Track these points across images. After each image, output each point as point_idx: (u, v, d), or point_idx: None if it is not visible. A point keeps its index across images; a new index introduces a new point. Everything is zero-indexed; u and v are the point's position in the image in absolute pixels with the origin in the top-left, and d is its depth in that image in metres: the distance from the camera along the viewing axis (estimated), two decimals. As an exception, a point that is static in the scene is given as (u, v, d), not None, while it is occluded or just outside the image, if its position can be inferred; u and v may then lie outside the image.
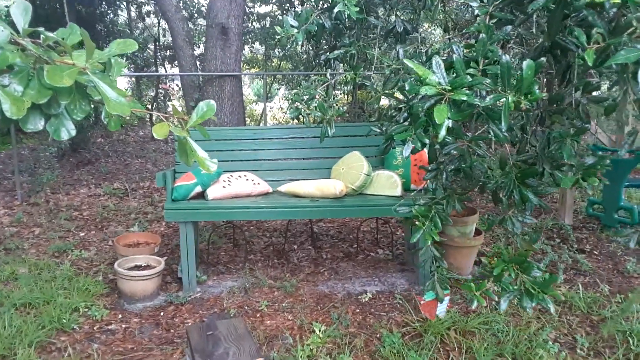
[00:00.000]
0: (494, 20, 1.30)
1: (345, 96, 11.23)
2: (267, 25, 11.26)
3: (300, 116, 1.78)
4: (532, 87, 1.00)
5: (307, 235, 4.62)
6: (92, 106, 0.93)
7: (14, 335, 2.82)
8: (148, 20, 12.07)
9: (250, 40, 11.20)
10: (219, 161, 3.89)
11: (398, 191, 3.49)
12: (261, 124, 11.59)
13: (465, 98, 1.00)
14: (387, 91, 1.81)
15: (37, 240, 4.48)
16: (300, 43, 1.74)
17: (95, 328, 3.01)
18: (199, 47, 11.71)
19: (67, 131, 0.87)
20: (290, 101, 1.78)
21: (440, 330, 2.81)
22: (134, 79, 11.90)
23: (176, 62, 11.29)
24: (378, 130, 1.86)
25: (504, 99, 1.01)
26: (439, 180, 1.61)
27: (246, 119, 11.63)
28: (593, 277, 3.68)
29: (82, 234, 4.66)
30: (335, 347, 2.76)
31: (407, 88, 1.57)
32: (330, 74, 1.92)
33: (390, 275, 3.75)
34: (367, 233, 4.69)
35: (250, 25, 11.19)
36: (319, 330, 2.83)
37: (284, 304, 3.29)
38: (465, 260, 3.67)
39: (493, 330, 2.85)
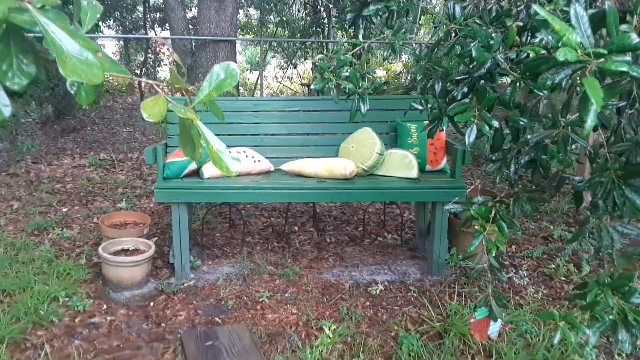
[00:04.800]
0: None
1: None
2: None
3: (326, 88, 1.42)
4: None
5: (309, 216, 4.29)
6: (45, 68, 0.58)
7: (-17, 329, 2.49)
8: (137, -20, 11.41)
9: (245, 3, 10.63)
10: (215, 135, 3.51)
11: (414, 172, 3.16)
12: (256, 94, 11.14)
13: (624, 69, 0.67)
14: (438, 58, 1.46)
15: (15, 216, 4.11)
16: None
17: (76, 321, 2.69)
18: (191, 9, 11.13)
19: (-3, 108, 0.52)
20: (313, 69, 1.42)
21: (462, 330, 2.53)
22: (122, 42, 11.31)
23: (167, 25, 10.72)
24: (420, 107, 1.51)
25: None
26: (502, 173, 1.28)
27: (239, 88, 11.15)
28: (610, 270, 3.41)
29: (64, 210, 4.29)
30: (347, 349, 2.47)
31: (474, 54, 1.22)
32: (362, 37, 1.56)
33: (400, 263, 3.45)
34: (373, 214, 4.38)
35: (245, -13, 10.62)
36: (329, 329, 2.53)
37: (286, 295, 2.99)
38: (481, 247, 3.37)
39: (520, 331, 2.57)
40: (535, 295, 2.98)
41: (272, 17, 11.81)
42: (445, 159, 3.41)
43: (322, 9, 11.04)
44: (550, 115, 1.23)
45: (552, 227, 3.98)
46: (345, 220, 4.27)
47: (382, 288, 3.06)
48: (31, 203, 4.39)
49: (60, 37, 0.49)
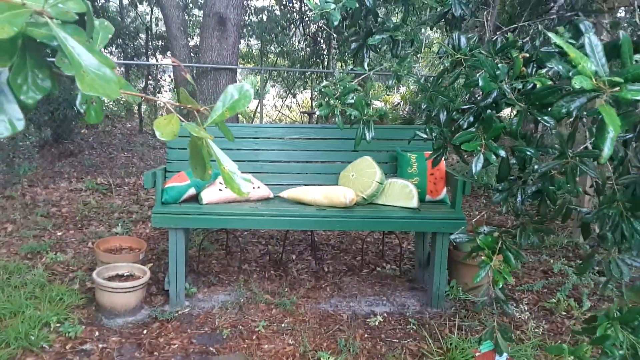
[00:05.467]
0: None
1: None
2: (265, 20, 10.87)
3: (331, 115, 1.42)
4: None
5: (307, 245, 4.26)
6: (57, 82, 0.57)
7: (-29, 354, 2.42)
8: (140, 8, 11.60)
9: (246, 34, 10.80)
10: (212, 161, 3.50)
11: (414, 202, 3.15)
12: (254, 122, 11.20)
13: (640, 98, 0.67)
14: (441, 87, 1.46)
15: (9, 239, 4.06)
16: (336, 23, 1.39)
17: (67, 347, 2.62)
18: (193, 38, 11.29)
19: (9, 122, 0.51)
20: (319, 95, 1.43)
21: (463, 364, 2.48)
22: (123, 68, 11.42)
23: (168, 52, 10.84)
24: (424, 136, 1.51)
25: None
26: (510, 203, 1.27)
27: (238, 116, 11.21)
28: (619, 303, 3.36)
29: (59, 234, 4.24)
30: (344, 382, 2.41)
31: (481, 84, 1.23)
32: (366, 67, 1.57)
33: (399, 294, 3.40)
34: (371, 244, 4.35)
35: (247, 18, 10.79)
36: (327, 361, 2.47)
37: (283, 325, 2.93)
38: (486, 279, 3.33)
39: (522, 367, 2.52)
40: (536, 330, 2.93)
41: (272, 47, 11.99)
42: (445, 190, 3.40)
43: (321, 40, 11.22)
44: (556, 145, 1.23)
45: (551, 261, 3.95)
46: (343, 249, 4.23)
47: (381, 319, 3.01)
48: (26, 226, 4.34)
49: (79, 52, 0.48)
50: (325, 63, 11.06)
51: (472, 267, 3.31)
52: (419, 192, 3.28)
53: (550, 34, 0.74)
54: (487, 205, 5.50)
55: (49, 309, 2.88)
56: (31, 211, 4.74)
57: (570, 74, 0.85)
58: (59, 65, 0.75)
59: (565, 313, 3.17)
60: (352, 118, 1.44)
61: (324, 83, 1.47)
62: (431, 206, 3.27)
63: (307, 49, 11.53)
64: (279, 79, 12.40)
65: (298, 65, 11.46)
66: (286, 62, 11.96)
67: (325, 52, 11.14)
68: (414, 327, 2.95)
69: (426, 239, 3.53)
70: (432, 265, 3.16)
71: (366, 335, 2.86)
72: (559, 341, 2.83)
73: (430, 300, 3.22)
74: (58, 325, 2.77)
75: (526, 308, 3.23)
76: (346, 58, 11.00)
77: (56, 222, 4.50)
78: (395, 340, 2.83)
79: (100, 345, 2.66)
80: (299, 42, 12.07)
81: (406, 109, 11.24)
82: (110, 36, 0.85)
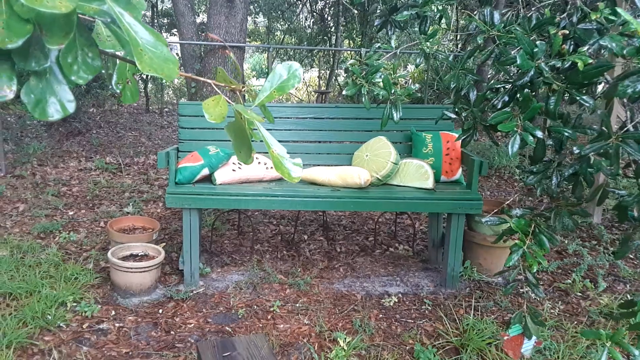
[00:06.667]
0: None
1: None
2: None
3: (359, 94, 1.38)
4: None
5: (318, 225, 4.24)
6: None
7: (-10, 333, 2.44)
8: (145, -15, 11.44)
9: (253, 10, 10.65)
10: (226, 141, 3.47)
11: (429, 183, 3.11)
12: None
13: None
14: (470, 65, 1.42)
15: (21, 218, 4.06)
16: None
17: (84, 327, 2.63)
18: (199, 15, 11.16)
19: (60, 104, 0.48)
20: (346, 74, 1.39)
21: (480, 345, 2.47)
22: (128, 46, 11.31)
23: (175, 30, 10.72)
24: (453, 115, 1.47)
25: None
26: (544, 185, 1.23)
27: (245, 95, 11.11)
28: (634, 284, 3.35)
29: (70, 213, 4.25)
30: (361, 362, 2.41)
31: (518, 62, 1.18)
32: (394, 43, 1.52)
33: (412, 275, 3.39)
34: (383, 224, 4.33)
35: (253, -6, 10.62)
36: (343, 341, 2.47)
37: (297, 305, 2.93)
38: (497, 261, 3.32)
39: (538, 348, 2.51)
40: (552, 311, 2.92)
41: (279, 25, 11.84)
42: (460, 170, 3.36)
43: (329, 17, 11.06)
44: (594, 126, 1.19)
45: (566, 242, 3.93)
46: (355, 229, 4.22)
47: (395, 300, 3.00)
48: (37, 205, 4.34)
49: (137, 28, 0.44)
50: (333, 41, 10.92)
51: (486, 247, 3.29)
52: (435, 173, 3.24)
53: (618, 9, 0.70)
54: (500, 186, 5.46)
55: (64, 288, 2.89)
56: (42, 190, 4.74)
57: (625, 51, 0.81)
58: (95, 39, 0.72)
59: (580, 294, 3.15)
60: (381, 97, 1.40)
61: (351, 61, 1.43)
62: (446, 187, 3.24)
63: (314, 26, 11.38)
64: (286, 57, 12.27)
65: (305, 43, 11.33)
66: (293, 39, 11.82)
67: (332, 30, 10.99)
68: (429, 308, 2.95)
69: (440, 219, 3.50)
70: (447, 245, 3.14)
71: (381, 316, 2.86)
72: (575, 322, 2.82)
73: (444, 281, 3.21)
74: (74, 304, 2.79)
75: (541, 289, 3.21)
76: (354, 36, 10.85)
77: (67, 202, 4.50)
78: (410, 321, 2.83)
79: (117, 325, 2.67)
80: (306, 19, 11.91)
81: (415, 88, 11.13)
82: (143, 12, 0.81)
